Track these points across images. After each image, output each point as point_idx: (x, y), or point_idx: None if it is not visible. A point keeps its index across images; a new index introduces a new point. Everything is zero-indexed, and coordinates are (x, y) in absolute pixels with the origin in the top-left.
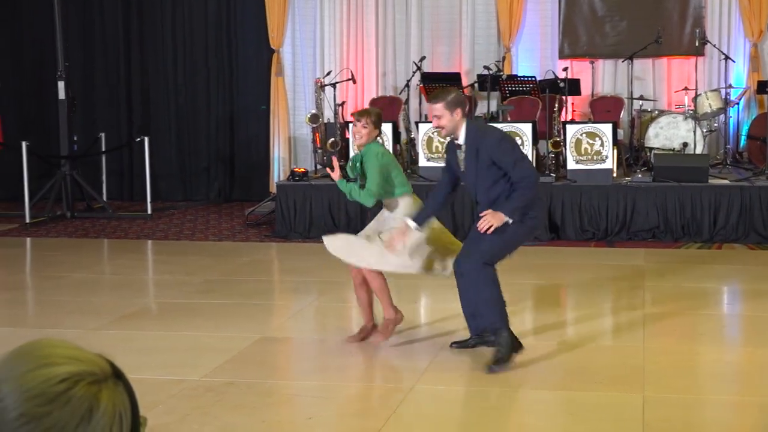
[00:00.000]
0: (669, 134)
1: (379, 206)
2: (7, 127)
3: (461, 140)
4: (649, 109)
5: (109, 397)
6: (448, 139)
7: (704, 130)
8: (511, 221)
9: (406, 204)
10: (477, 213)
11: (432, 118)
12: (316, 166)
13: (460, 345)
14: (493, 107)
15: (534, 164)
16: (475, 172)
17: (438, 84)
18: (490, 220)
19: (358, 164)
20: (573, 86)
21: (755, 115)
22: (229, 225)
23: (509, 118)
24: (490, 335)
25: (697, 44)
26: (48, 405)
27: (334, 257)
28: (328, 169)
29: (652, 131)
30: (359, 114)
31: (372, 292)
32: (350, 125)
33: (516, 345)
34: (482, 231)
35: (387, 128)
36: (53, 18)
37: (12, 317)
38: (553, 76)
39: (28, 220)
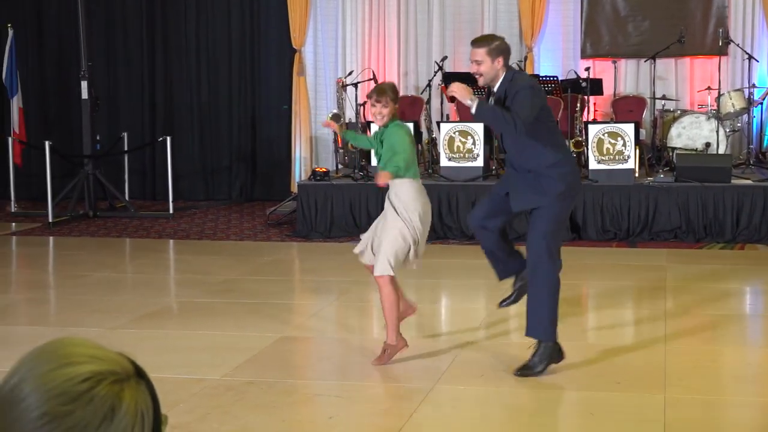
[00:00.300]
0: (691, 134)
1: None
2: (31, 127)
3: (496, 88)
4: (671, 109)
5: (131, 397)
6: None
7: (727, 130)
8: (473, 107)
9: (415, 190)
10: (507, 164)
11: (472, 65)
12: (337, 166)
13: (507, 302)
14: None
15: None
16: None
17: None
18: (456, 88)
19: (380, 140)
20: (595, 86)
21: None
22: (250, 224)
23: None
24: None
25: (720, 44)
26: (70, 404)
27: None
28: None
29: (674, 131)
30: (377, 94)
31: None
32: (369, 104)
33: (555, 357)
34: (449, 92)
35: (409, 128)
36: (77, 17)
37: (34, 316)
38: (575, 76)
39: (51, 220)
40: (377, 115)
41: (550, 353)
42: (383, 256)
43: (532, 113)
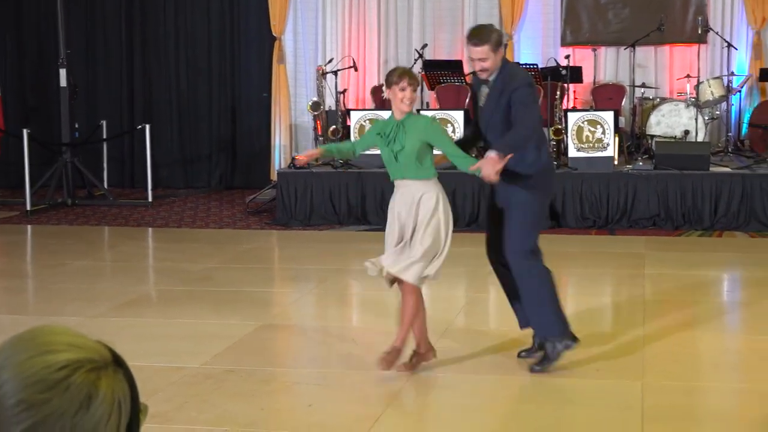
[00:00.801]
0: (671, 122)
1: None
2: (9, 115)
3: (492, 77)
4: (650, 97)
5: (108, 385)
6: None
7: (706, 118)
8: (503, 160)
9: (437, 187)
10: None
11: (474, 63)
12: None
13: (528, 353)
14: None
15: None
16: (491, 113)
17: (440, 71)
18: (490, 170)
19: (398, 134)
20: (575, 74)
21: (757, 102)
22: (229, 212)
23: None
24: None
25: (699, 32)
26: (47, 392)
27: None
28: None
29: (653, 119)
30: (410, 77)
31: (422, 316)
32: (396, 89)
33: (570, 344)
34: (489, 179)
35: (388, 115)
36: (55, 5)
37: (13, 305)
38: (555, 64)
39: (29, 208)
40: (405, 100)
41: (558, 354)
42: (422, 262)
43: (537, 112)
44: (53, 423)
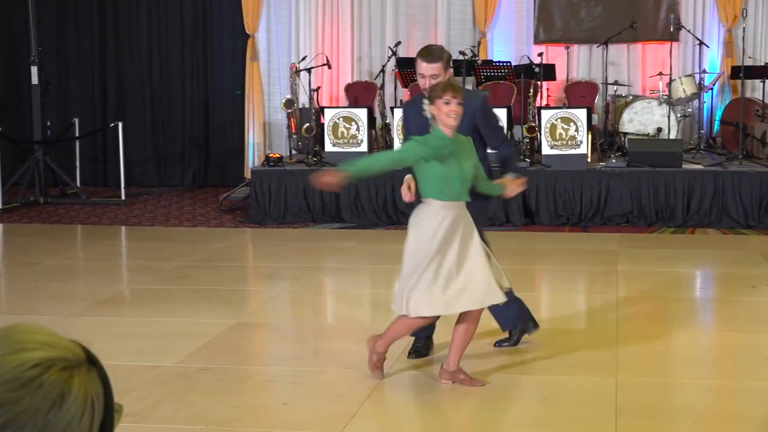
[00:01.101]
0: (643, 119)
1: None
2: None
3: None
4: (623, 95)
5: (81, 384)
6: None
7: (678, 116)
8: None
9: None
10: None
11: (425, 79)
12: (291, 152)
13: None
14: None
15: None
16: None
17: (413, 69)
18: (516, 191)
19: (457, 152)
20: (548, 71)
21: (729, 100)
22: (203, 210)
23: None
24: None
25: (671, 29)
26: (19, 390)
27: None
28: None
29: (626, 116)
30: (454, 90)
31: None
32: (440, 103)
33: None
34: (506, 197)
35: (362, 113)
36: (26, 1)
37: None
38: (528, 62)
39: (0, 206)
40: (452, 114)
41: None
42: (494, 281)
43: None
44: (25, 421)
